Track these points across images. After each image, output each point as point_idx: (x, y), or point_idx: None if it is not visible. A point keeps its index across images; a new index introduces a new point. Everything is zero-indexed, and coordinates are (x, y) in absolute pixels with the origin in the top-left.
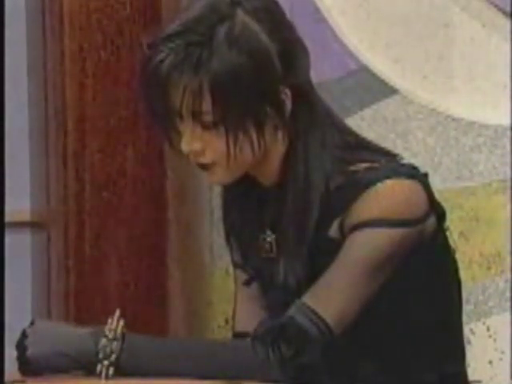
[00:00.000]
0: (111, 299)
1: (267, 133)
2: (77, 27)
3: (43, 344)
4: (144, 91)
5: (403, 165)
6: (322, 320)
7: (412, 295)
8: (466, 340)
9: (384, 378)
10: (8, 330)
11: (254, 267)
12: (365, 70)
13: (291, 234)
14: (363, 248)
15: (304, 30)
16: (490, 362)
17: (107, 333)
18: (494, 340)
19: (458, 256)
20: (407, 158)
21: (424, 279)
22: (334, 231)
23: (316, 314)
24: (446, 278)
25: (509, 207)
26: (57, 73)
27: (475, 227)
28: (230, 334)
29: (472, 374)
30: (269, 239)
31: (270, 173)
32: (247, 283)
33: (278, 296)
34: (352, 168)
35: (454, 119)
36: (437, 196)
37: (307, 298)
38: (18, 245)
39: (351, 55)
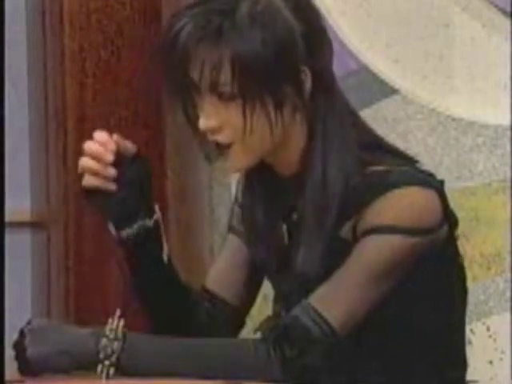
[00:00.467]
0: (111, 299)
1: (286, 113)
2: (77, 27)
3: (43, 344)
4: (164, 61)
5: (421, 171)
6: (326, 322)
7: (418, 301)
8: (466, 340)
9: (386, 381)
10: (8, 330)
11: (263, 254)
12: (365, 70)
13: (310, 228)
14: (373, 253)
15: None
16: (490, 362)
17: (108, 333)
18: (494, 340)
19: None
20: None
21: (431, 286)
22: (345, 232)
23: (320, 315)
24: (453, 286)
25: (509, 207)
26: (57, 73)
27: (475, 227)
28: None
29: (472, 373)
30: (282, 228)
31: (288, 163)
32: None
33: (284, 286)
34: (369, 169)
35: (453, 119)
36: None
37: (313, 299)
38: (18, 245)
39: (351, 55)
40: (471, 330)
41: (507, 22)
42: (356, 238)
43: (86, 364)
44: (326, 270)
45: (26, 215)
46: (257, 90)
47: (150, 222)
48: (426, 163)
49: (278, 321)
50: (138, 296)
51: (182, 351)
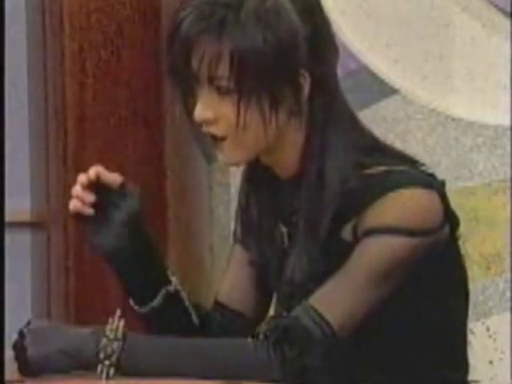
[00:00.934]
0: (111, 299)
1: (281, 114)
2: (77, 27)
3: (43, 344)
4: (167, 49)
5: (422, 172)
6: (327, 322)
7: (419, 302)
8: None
9: (386, 382)
10: (8, 330)
11: (264, 257)
12: (365, 70)
13: (304, 231)
14: (374, 254)
15: None
16: (490, 362)
17: (108, 333)
18: (494, 340)
19: None
20: None
21: (433, 287)
22: (346, 233)
23: (321, 316)
24: (454, 286)
25: (509, 207)
26: (57, 73)
27: (475, 227)
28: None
29: (472, 374)
30: (282, 232)
31: (286, 166)
32: (251, 263)
33: (284, 288)
34: (369, 171)
35: (453, 119)
36: None
37: (314, 300)
38: (18, 245)
39: (351, 55)
40: (471, 330)
41: (507, 22)
42: (357, 239)
43: (86, 364)
44: (327, 271)
45: (26, 215)
46: (253, 86)
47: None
48: (426, 163)
49: (278, 321)
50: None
51: (181, 351)
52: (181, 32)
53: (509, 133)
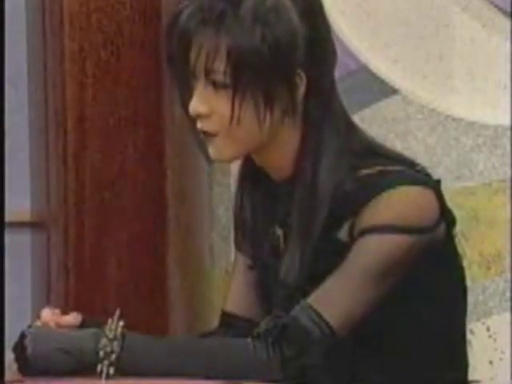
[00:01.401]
0: (111, 299)
1: (276, 112)
2: (77, 27)
3: (43, 344)
4: (165, 41)
5: (417, 171)
6: (326, 322)
7: (417, 301)
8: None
9: (385, 381)
10: (8, 330)
11: (262, 260)
12: (365, 70)
13: (296, 232)
14: (371, 253)
15: None
16: (490, 362)
17: (107, 333)
18: (494, 340)
19: None
20: None
21: (430, 285)
22: (343, 233)
23: (319, 315)
24: (452, 285)
25: (509, 207)
26: (57, 73)
27: (475, 227)
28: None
29: (472, 373)
30: (278, 233)
31: (281, 166)
32: (251, 268)
33: (280, 290)
34: (365, 171)
35: (454, 119)
36: None
37: (312, 299)
38: (18, 245)
39: (351, 55)
40: (471, 330)
41: (507, 22)
42: (353, 239)
43: (86, 364)
44: (324, 272)
45: (26, 215)
46: (249, 82)
47: None
48: (426, 163)
49: (277, 321)
50: None
51: (181, 351)
52: (179, 23)
53: (509, 133)
